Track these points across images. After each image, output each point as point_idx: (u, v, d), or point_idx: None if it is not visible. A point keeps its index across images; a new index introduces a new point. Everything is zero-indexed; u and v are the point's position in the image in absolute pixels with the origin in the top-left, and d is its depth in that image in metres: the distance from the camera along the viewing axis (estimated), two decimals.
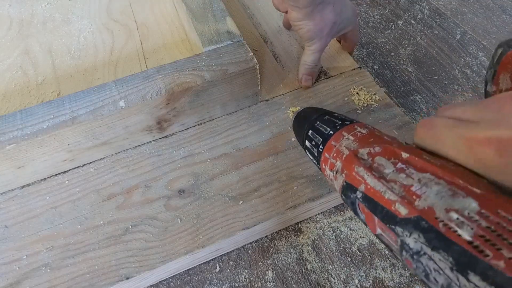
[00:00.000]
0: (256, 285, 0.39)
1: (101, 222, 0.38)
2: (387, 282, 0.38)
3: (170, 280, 0.39)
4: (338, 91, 0.48)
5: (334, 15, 0.42)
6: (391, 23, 0.65)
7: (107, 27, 0.58)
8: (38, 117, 0.38)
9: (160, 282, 0.39)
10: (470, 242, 0.16)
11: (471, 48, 0.60)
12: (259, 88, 0.45)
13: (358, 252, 0.40)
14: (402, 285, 0.38)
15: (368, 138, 0.26)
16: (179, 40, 0.55)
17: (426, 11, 0.67)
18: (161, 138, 0.45)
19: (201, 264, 0.40)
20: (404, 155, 0.22)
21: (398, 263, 0.39)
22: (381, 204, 0.21)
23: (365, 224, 0.23)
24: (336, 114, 0.32)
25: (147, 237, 0.37)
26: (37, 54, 0.55)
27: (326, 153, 0.28)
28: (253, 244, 0.41)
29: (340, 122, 0.30)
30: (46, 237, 0.38)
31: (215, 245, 0.37)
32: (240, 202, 0.39)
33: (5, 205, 0.40)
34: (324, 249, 0.41)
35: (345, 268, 0.39)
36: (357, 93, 0.47)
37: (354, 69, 0.50)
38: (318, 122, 0.31)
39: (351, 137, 0.27)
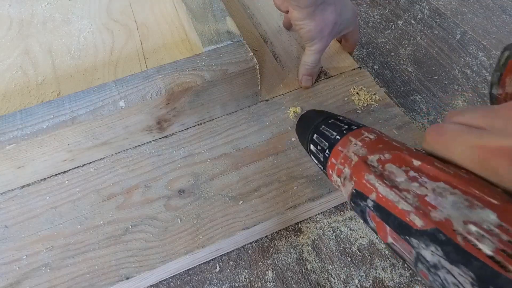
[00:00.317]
0: (256, 285, 0.39)
1: (101, 222, 0.38)
2: (387, 282, 0.38)
3: (170, 280, 0.39)
4: (338, 91, 0.48)
5: (335, 16, 0.42)
6: (391, 23, 0.65)
7: (107, 27, 0.58)
8: (38, 117, 0.38)
9: (160, 282, 0.39)
10: (491, 257, 0.16)
11: (471, 48, 0.60)
12: (259, 88, 0.45)
13: (358, 252, 0.40)
14: (402, 285, 0.38)
15: (377, 144, 0.25)
16: (179, 40, 0.55)
17: (426, 11, 0.67)
18: (161, 138, 0.45)
19: (201, 264, 0.40)
20: (416, 162, 0.22)
21: (398, 263, 0.39)
22: (394, 214, 0.20)
23: (375, 233, 0.23)
24: (341, 118, 0.31)
25: (147, 237, 0.37)
26: (37, 54, 0.55)
27: (333, 159, 0.28)
28: (253, 244, 0.41)
29: (346, 127, 0.29)
30: (46, 237, 0.38)
31: (215, 245, 0.37)
32: (240, 202, 0.39)
33: (5, 205, 0.40)
34: (324, 249, 0.41)
35: (345, 268, 0.39)
36: (357, 93, 0.47)
37: (354, 69, 0.50)
38: (323, 126, 0.31)
39: (359, 143, 0.26)
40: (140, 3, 0.62)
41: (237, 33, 0.44)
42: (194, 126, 0.45)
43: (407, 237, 0.19)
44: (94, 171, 0.42)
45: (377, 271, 0.39)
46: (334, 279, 0.39)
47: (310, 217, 0.43)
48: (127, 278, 0.35)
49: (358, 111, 0.45)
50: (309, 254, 0.40)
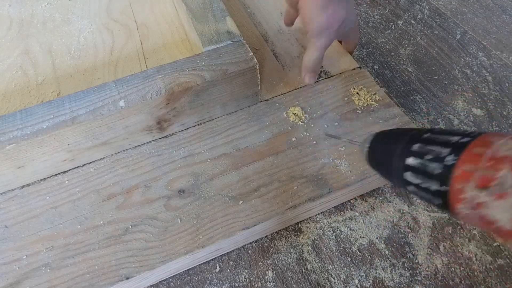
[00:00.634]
0: (256, 285, 0.39)
1: (101, 222, 0.38)
2: (387, 282, 0.38)
3: (170, 280, 0.39)
4: (338, 91, 0.48)
5: (345, 13, 0.41)
6: (391, 23, 0.65)
7: (107, 27, 0.58)
8: (38, 117, 0.38)
9: (160, 282, 0.39)
10: None
11: (471, 48, 0.60)
12: (259, 87, 0.45)
13: (358, 252, 0.40)
14: (402, 285, 0.38)
15: None
16: (179, 40, 0.55)
17: (426, 11, 0.67)
18: (161, 138, 0.45)
19: (201, 264, 0.40)
20: None
21: (398, 263, 0.39)
22: None
23: None
24: (437, 129, 0.24)
25: (147, 237, 0.37)
26: (37, 54, 0.55)
27: (465, 165, 0.20)
28: (253, 244, 0.41)
29: (458, 137, 0.22)
30: (46, 237, 0.38)
31: (215, 245, 0.37)
32: (240, 202, 0.39)
33: (5, 205, 0.40)
34: (324, 249, 0.41)
35: (345, 268, 0.39)
36: (357, 93, 0.47)
37: (354, 69, 0.50)
38: (419, 145, 0.23)
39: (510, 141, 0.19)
40: (140, 3, 0.61)
41: (237, 33, 0.44)
42: (194, 126, 0.45)
43: None
44: (94, 171, 0.42)
45: (377, 271, 0.39)
46: (334, 279, 0.39)
47: (310, 217, 0.43)
48: (127, 278, 0.35)
49: (358, 111, 0.45)
50: (309, 254, 0.40)
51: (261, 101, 0.47)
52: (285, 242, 0.41)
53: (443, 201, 0.22)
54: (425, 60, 0.59)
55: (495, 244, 0.40)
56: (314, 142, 0.43)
